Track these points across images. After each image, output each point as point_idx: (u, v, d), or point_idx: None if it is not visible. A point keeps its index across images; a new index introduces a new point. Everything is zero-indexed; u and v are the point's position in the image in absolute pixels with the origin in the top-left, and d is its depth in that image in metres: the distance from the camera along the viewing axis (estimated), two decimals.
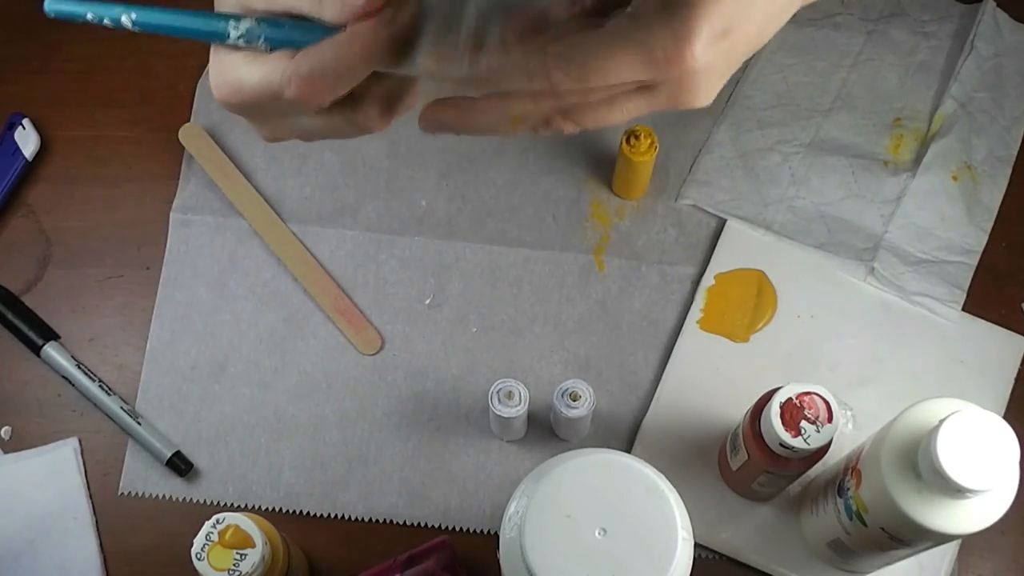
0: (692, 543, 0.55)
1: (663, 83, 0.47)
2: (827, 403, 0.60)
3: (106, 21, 0.49)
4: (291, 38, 0.46)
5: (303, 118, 0.50)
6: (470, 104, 0.48)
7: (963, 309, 0.76)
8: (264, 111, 0.50)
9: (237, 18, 0.47)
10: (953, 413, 0.52)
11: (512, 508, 0.56)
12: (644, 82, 0.46)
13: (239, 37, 0.47)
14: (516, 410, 0.68)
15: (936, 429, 0.52)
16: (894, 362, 0.75)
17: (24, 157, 0.80)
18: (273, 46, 0.47)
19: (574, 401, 0.69)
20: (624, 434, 0.74)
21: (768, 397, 0.62)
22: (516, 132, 0.49)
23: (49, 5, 0.50)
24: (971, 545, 0.71)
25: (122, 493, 0.73)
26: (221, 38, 0.48)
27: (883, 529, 0.58)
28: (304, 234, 0.79)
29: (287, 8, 0.46)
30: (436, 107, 0.50)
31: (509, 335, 0.76)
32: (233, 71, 0.49)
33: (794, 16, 0.84)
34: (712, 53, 0.46)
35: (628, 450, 0.73)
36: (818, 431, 0.60)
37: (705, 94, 0.48)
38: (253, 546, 0.59)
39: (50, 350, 0.75)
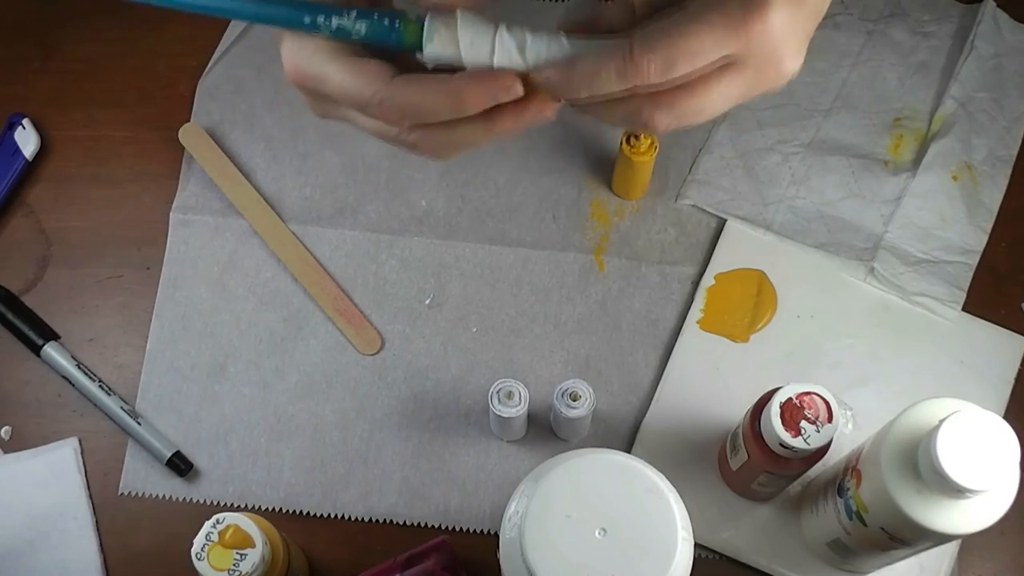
0: (692, 543, 0.55)
1: (748, 55, 0.47)
2: (827, 403, 0.60)
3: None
4: (382, 39, 0.46)
5: (364, 120, 0.50)
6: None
7: (963, 309, 0.76)
8: (335, 107, 0.50)
9: (327, 13, 0.46)
10: (953, 413, 0.52)
11: (512, 508, 0.56)
12: (729, 57, 0.46)
13: (329, 31, 0.46)
14: (516, 410, 0.68)
15: (936, 429, 0.52)
16: (894, 362, 0.75)
17: (24, 157, 0.80)
18: (362, 42, 0.46)
19: (574, 401, 0.69)
20: (624, 434, 0.74)
21: (768, 397, 0.62)
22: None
23: None
24: (971, 545, 0.71)
25: (122, 493, 0.73)
26: (308, 29, 0.47)
27: (883, 529, 0.58)
28: (304, 234, 0.79)
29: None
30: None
31: (509, 335, 0.76)
32: (317, 66, 0.48)
33: None
34: (789, 14, 0.46)
35: (628, 450, 0.73)
36: (818, 431, 0.60)
37: (791, 59, 0.48)
38: (253, 546, 0.59)
39: (50, 350, 0.75)
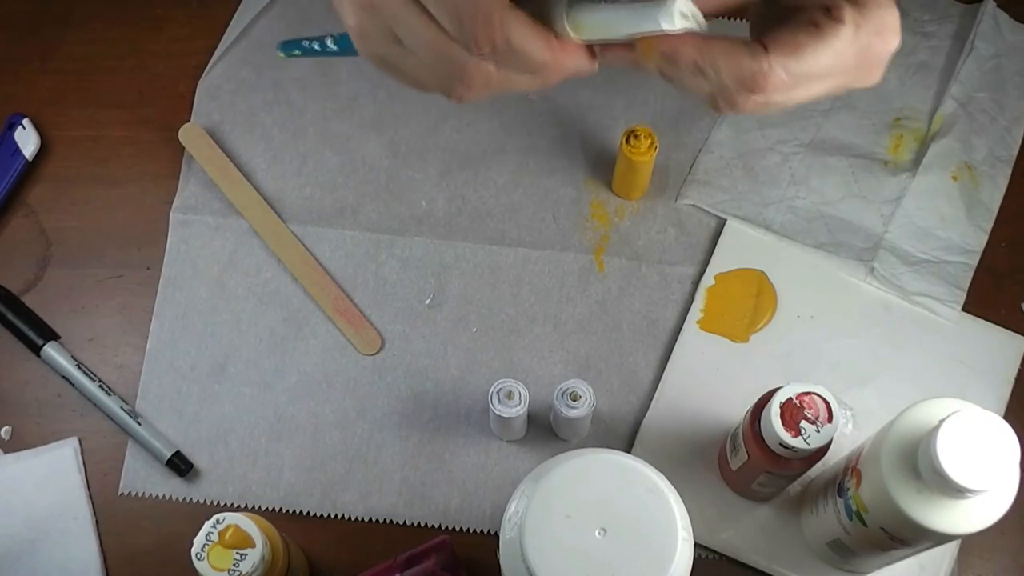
0: (692, 543, 0.55)
1: (855, 70, 0.50)
2: (827, 403, 0.60)
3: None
4: None
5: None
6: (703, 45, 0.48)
7: (963, 309, 0.76)
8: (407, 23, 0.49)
9: None
10: (953, 413, 0.52)
11: (512, 508, 0.56)
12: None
13: None
14: (516, 410, 0.68)
15: (936, 429, 0.52)
16: (894, 362, 0.75)
17: (24, 157, 0.80)
18: None
19: (574, 401, 0.69)
20: (624, 434, 0.74)
21: (768, 397, 0.62)
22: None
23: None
24: (971, 545, 0.71)
25: (122, 493, 0.73)
26: None
27: (883, 529, 0.58)
28: (304, 234, 0.79)
29: None
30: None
31: (509, 335, 0.76)
32: None
33: None
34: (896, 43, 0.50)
35: (628, 450, 0.73)
36: (818, 431, 0.60)
37: (879, 77, 0.51)
38: (253, 546, 0.59)
39: (50, 350, 0.75)
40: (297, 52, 0.62)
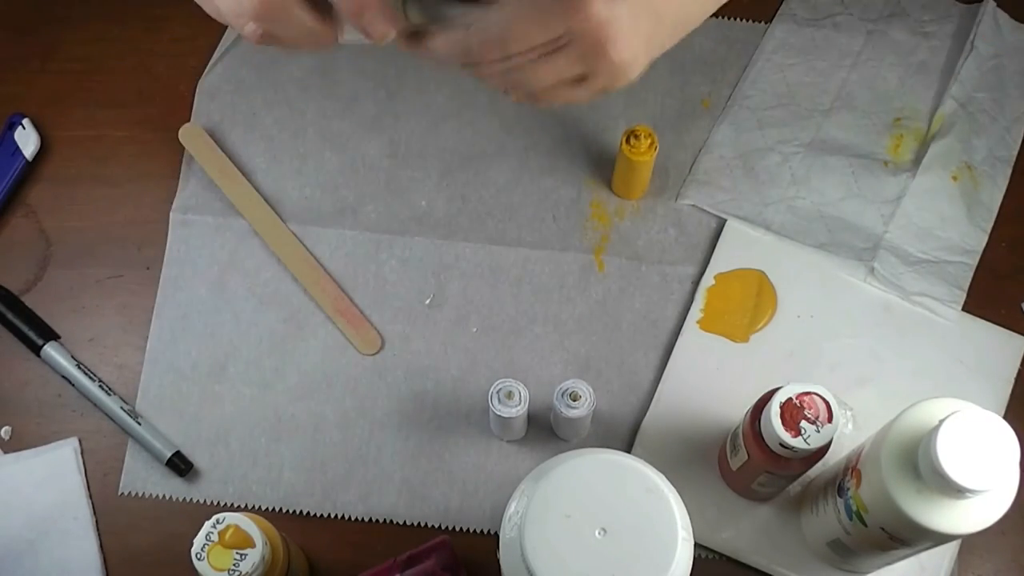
0: (692, 543, 0.55)
1: (576, 37, 0.51)
2: (827, 403, 0.60)
3: None
4: None
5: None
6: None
7: (963, 309, 0.76)
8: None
9: None
10: (953, 413, 0.52)
11: (512, 508, 0.56)
12: (559, 41, 0.51)
13: None
14: (516, 410, 0.68)
15: (936, 429, 0.52)
16: (894, 362, 0.75)
17: (24, 157, 0.80)
18: None
19: (574, 401, 0.69)
20: (624, 434, 0.74)
21: (768, 397, 0.62)
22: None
23: None
24: (971, 545, 0.71)
25: (122, 493, 0.73)
26: None
27: (883, 529, 0.58)
28: (304, 234, 0.79)
29: None
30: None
31: (509, 335, 0.76)
32: None
33: (793, 16, 0.87)
34: (613, 8, 0.50)
35: (628, 450, 0.73)
36: (818, 431, 0.60)
37: (621, 51, 0.52)
38: (253, 546, 0.59)
39: (50, 350, 0.75)
40: None
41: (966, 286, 0.76)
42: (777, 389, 0.61)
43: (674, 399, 0.74)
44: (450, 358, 0.76)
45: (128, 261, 0.79)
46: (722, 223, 0.79)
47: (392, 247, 0.79)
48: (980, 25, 0.82)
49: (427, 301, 0.77)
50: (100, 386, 0.74)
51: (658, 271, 0.78)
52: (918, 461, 0.54)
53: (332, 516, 0.72)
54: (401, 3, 0.54)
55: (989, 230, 0.78)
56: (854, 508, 0.59)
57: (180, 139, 0.81)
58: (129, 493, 0.73)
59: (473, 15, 0.53)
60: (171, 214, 0.80)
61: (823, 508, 0.65)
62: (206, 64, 0.84)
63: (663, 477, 0.55)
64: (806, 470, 0.64)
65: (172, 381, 0.75)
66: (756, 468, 0.64)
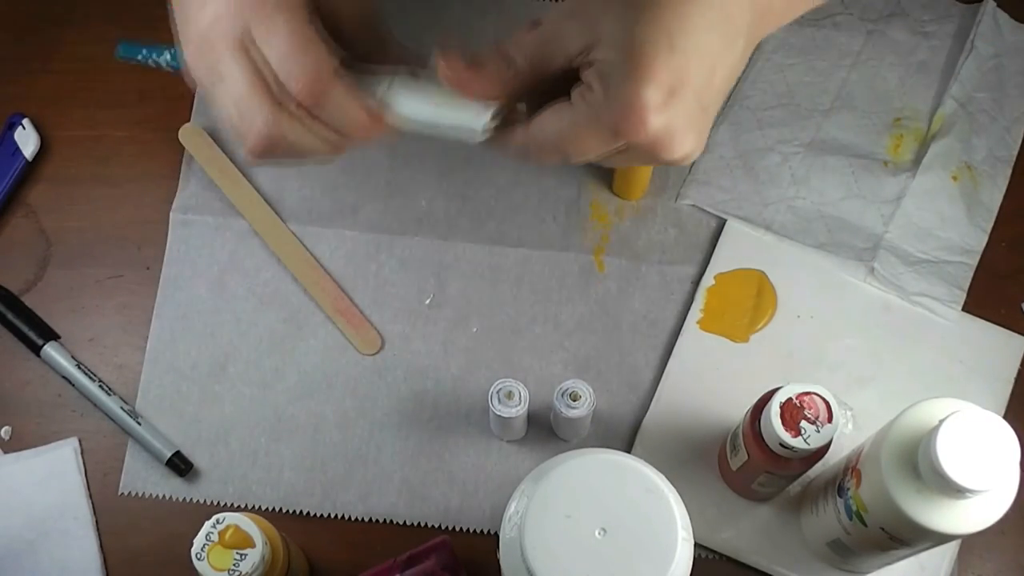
0: (692, 543, 0.55)
1: (634, 147, 0.53)
2: (827, 403, 0.60)
3: None
4: None
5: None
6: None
7: (963, 309, 0.76)
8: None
9: None
10: (953, 413, 0.52)
11: (512, 508, 0.56)
12: (615, 149, 0.53)
13: None
14: (516, 410, 0.68)
15: (936, 429, 0.52)
16: (894, 362, 0.75)
17: (24, 157, 0.80)
18: None
19: (574, 401, 0.69)
20: (624, 434, 0.74)
21: (768, 397, 0.62)
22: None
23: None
24: (971, 545, 0.71)
25: (122, 493, 0.73)
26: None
27: (883, 529, 0.58)
28: (304, 234, 0.79)
29: None
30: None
31: (509, 335, 0.76)
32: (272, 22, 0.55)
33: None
34: (667, 115, 0.51)
35: (628, 450, 0.73)
36: (818, 431, 0.60)
37: (680, 147, 0.53)
38: (253, 546, 0.59)
39: (50, 350, 0.75)
40: (137, 58, 0.70)
41: (966, 286, 0.76)
42: (777, 389, 0.61)
43: (674, 399, 0.74)
44: (450, 358, 0.76)
45: (128, 261, 0.79)
46: (722, 223, 0.79)
47: (392, 247, 0.79)
48: (980, 25, 0.82)
49: (427, 301, 0.77)
50: (100, 386, 0.74)
51: (658, 271, 0.78)
52: (918, 461, 0.54)
53: (332, 516, 0.72)
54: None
55: (989, 230, 0.78)
56: (854, 508, 0.60)
57: (180, 139, 0.81)
58: (129, 493, 0.73)
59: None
60: (171, 214, 0.80)
61: (823, 508, 0.65)
62: None
63: (663, 477, 0.55)
64: (806, 470, 0.64)
65: (172, 381, 0.75)
66: (756, 468, 0.64)
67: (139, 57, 0.70)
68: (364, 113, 0.55)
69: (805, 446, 0.60)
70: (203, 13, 0.55)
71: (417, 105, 0.59)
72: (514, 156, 0.56)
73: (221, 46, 0.55)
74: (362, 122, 0.56)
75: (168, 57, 0.68)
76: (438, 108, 0.59)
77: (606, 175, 0.80)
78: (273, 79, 0.54)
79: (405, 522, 0.72)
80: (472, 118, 0.58)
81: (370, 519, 0.72)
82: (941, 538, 0.56)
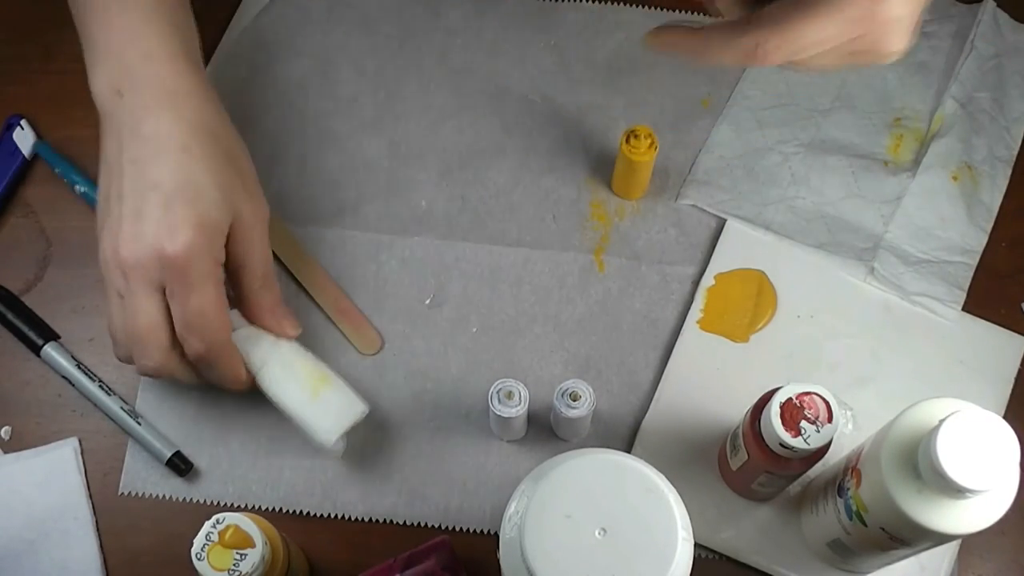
0: (692, 543, 0.55)
1: (864, 38, 0.54)
2: (827, 403, 0.60)
3: None
4: None
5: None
6: (698, 35, 0.56)
7: (963, 309, 0.76)
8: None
9: None
10: (953, 413, 0.52)
11: (512, 508, 0.56)
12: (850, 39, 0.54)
13: None
14: (516, 410, 0.68)
15: (936, 429, 0.52)
16: (894, 362, 0.75)
17: (23, 155, 0.80)
18: None
19: (574, 401, 0.69)
20: (624, 434, 0.74)
21: (768, 397, 0.62)
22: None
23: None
24: (971, 545, 0.71)
25: (122, 493, 0.73)
26: None
27: (883, 529, 0.58)
28: (304, 234, 0.79)
29: None
30: (666, 32, 0.58)
31: (509, 335, 0.76)
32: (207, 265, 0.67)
33: None
34: (902, 4, 0.53)
35: (628, 450, 0.73)
36: (818, 431, 0.60)
37: (901, 40, 0.55)
38: (253, 546, 0.59)
39: (50, 350, 0.75)
40: (57, 170, 0.79)
41: (966, 286, 0.76)
42: (777, 389, 0.61)
43: (674, 399, 0.74)
44: (450, 358, 0.76)
45: None
46: (722, 223, 0.79)
47: (392, 247, 0.79)
48: (980, 25, 0.82)
49: (427, 301, 0.77)
50: (100, 386, 0.74)
51: (658, 271, 0.78)
52: (918, 461, 0.54)
53: (332, 516, 0.72)
54: None
55: (989, 230, 0.78)
56: (854, 508, 0.60)
57: None
58: (129, 493, 0.73)
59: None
60: None
61: (823, 508, 0.65)
62: (205, 64, 0.84)
63: (663, 477, 0.55)
64: (806, 470, 0.64)
65: (172, 381, 0.75)
66: (756, 468, 0.64)
67: (56, 170, 0.78)
68: (244, 374, 0.68)
69: (805, 446, 0.60)
70: (142, 226, 0.63)
71: (280, 396, 0.69)
72: (737, 58, 0.54)
73: (143, 275, 0.63)
74: (241, 381, 0.69)
75: (82, 188, 0.78)
76: (299, 407, 0.68)
77: (606, 175, 0.80)
78: (182, 326, 0.64)
79: (405, 522, 0.72)
80: (321, 434, 0.68)
81: (370, 519, 0.72)
82: (941, 538, 0.56)
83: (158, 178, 0.64)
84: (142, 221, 0.63)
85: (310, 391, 0.68)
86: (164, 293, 0.64)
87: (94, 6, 0.68)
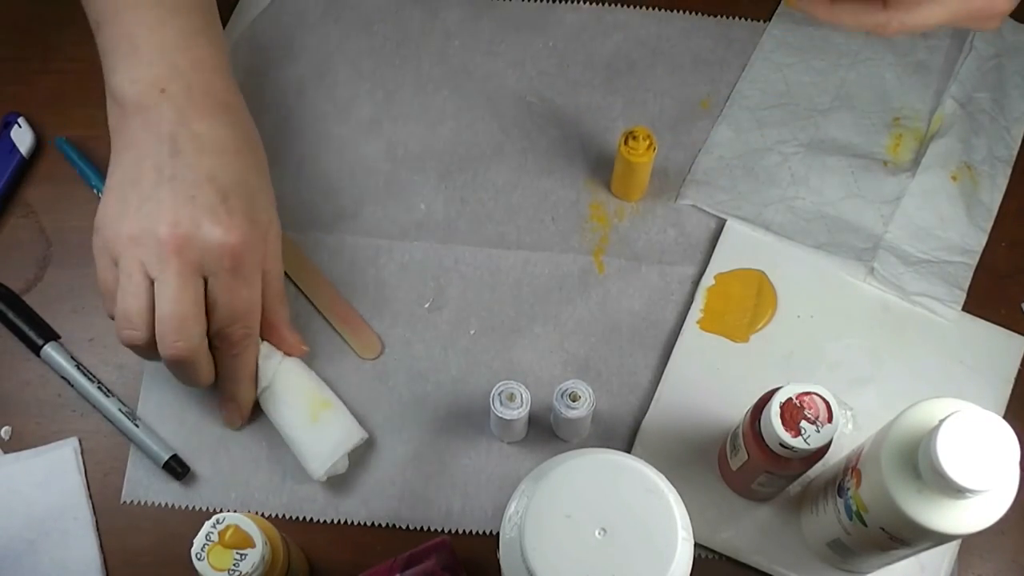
0: (692, 543, 0.55)
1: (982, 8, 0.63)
2: (827, 403, 0.60)
3: None
4: None
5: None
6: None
7: (963, 309, 0.76)
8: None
9: None
10: (953, 413, 0.52)
11: (512, 508, 0.56)
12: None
13: None
14: (518, 412, 0.68)
15: (936, 429, 0.52)
16: (894, 362, 0.75)
17: (21, 154, 0.80)
18: None
19: (574, 402, 0.69)
20: (624, 434, 0.74)
21: (768, 397, 0.62)
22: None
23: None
24: (971, 545, 0.71)
25: (124, 502, 0.72)
26: None
27: (883, 529, 0.58)
28: (303, 239, 0.79)
29: None
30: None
31: (509, 337, 0.76)
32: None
33: (792, 14, 0.88)
34: None
35: (628, 450, 0.73)
36: (818, 431, 0.60)
37: (1008, 2, 0.64)
38: (253, 546, 0.59)
39: (50, 350, 0.75)
40: (72, 155, 0.79)
41: (966, 286, 0.76)
42: (777, 389, 0.61)
43: (674, 399, 0.74)
44: (450, 361, 0.76)
45: None
46: (722, 223, 0.79)
47: (391, 251, 0.79)
48: None
49: (427, 305, 0.77)
50: (99, 387, 0.74)
51: (658, 271, 0.78)
52: (918, 461, 0.54)
53: (335, 522, 0.72)
54: None
55: (989, 230, 0.78)
56: (854, 508, 0.60)
57: None
58: (132, 501, 0.72)
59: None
60: None
61: (823, 508, 0.65)
62: None
63: (663, 477, 0.55)
64: (806, 470, 0.64)
65: (173, 386, 0.75)
66: (756, 468, 0.64)
67: (76, 166, 0.79)
68: (254, 374, 0.71)
69: (805, 446, 0.60)
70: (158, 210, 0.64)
71: (279, 419, 0.71)
72: (863, 27, 0.63)
73: (193, 257, 0.63)
74: (252, 379, 0.71)
75: (92, 179, 0.78)
76: (295, 432, 0.70)
77: (605, 176, 0.80)
78: (229, 315, 0.65)
79: (408, 526, 0.72)
80: (313, 464, 0.69)
81: (372, 523, 0.72)
82: (941, 538, 0.56)
83: (213, 172, 0.65)
84: (196, 207, 0.63)
85: (309, 416, 0.70)
86: (202, 280, 0.64)
87: (140, 5, 0.68)
